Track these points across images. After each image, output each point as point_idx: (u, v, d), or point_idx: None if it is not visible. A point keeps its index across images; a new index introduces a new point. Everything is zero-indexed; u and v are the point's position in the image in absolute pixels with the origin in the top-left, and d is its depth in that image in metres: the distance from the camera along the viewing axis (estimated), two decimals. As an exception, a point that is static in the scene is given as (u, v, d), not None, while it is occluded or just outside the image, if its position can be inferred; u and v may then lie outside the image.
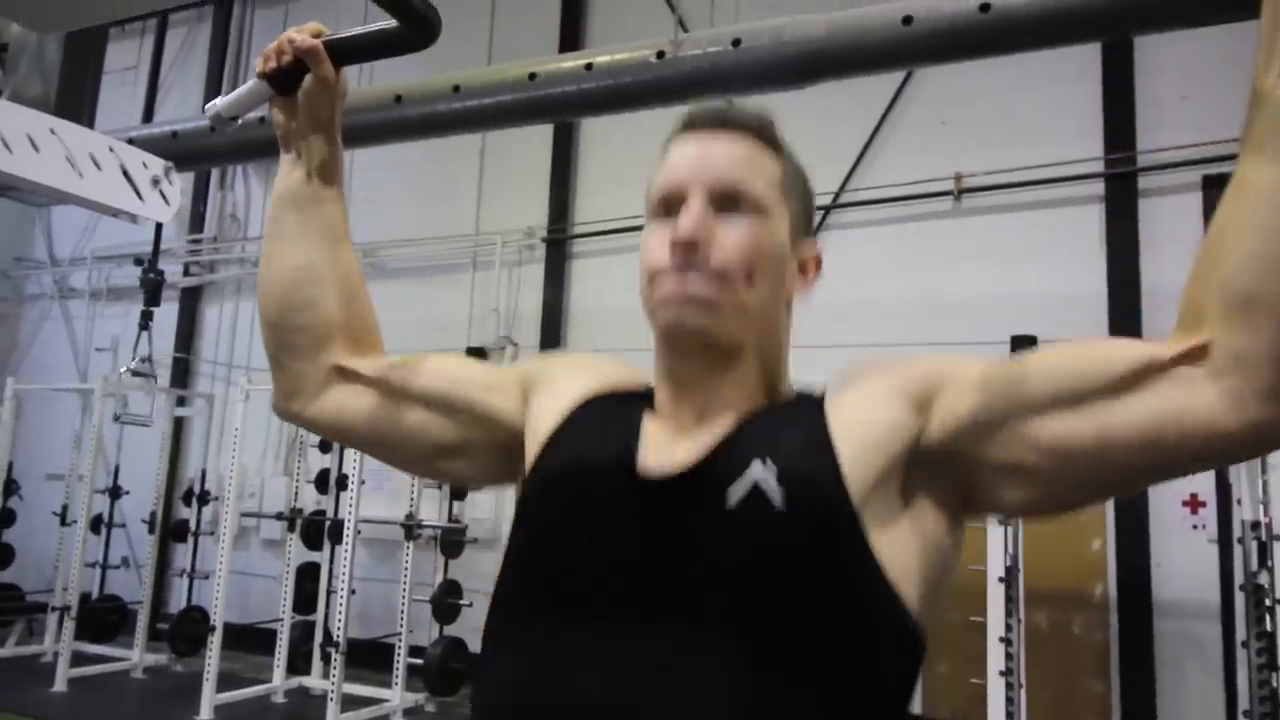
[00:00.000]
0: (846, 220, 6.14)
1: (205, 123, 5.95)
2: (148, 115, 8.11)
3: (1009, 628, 4.09)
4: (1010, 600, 4.12)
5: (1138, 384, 0.70)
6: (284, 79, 0.93)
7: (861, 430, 0.78)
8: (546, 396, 0.94)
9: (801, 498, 0.75)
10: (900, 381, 0.81)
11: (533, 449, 0.90)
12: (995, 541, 3.94)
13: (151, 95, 8.32)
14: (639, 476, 0.81)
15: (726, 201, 0.84)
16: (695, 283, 0.81)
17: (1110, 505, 5.28)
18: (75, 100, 6.36)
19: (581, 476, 0.84)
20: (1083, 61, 5.54)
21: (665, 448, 0.83)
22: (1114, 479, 0.74)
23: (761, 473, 0.76)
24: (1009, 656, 4.08)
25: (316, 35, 0.93)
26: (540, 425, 0.91)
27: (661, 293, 0.83)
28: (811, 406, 0.83)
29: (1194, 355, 0.68)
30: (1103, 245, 5.49)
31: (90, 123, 6.58)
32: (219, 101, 0.94)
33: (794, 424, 0.81)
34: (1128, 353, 0.72)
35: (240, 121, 0.96)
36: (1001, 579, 3.93)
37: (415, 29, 0.87)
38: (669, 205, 0.85)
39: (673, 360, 0.87)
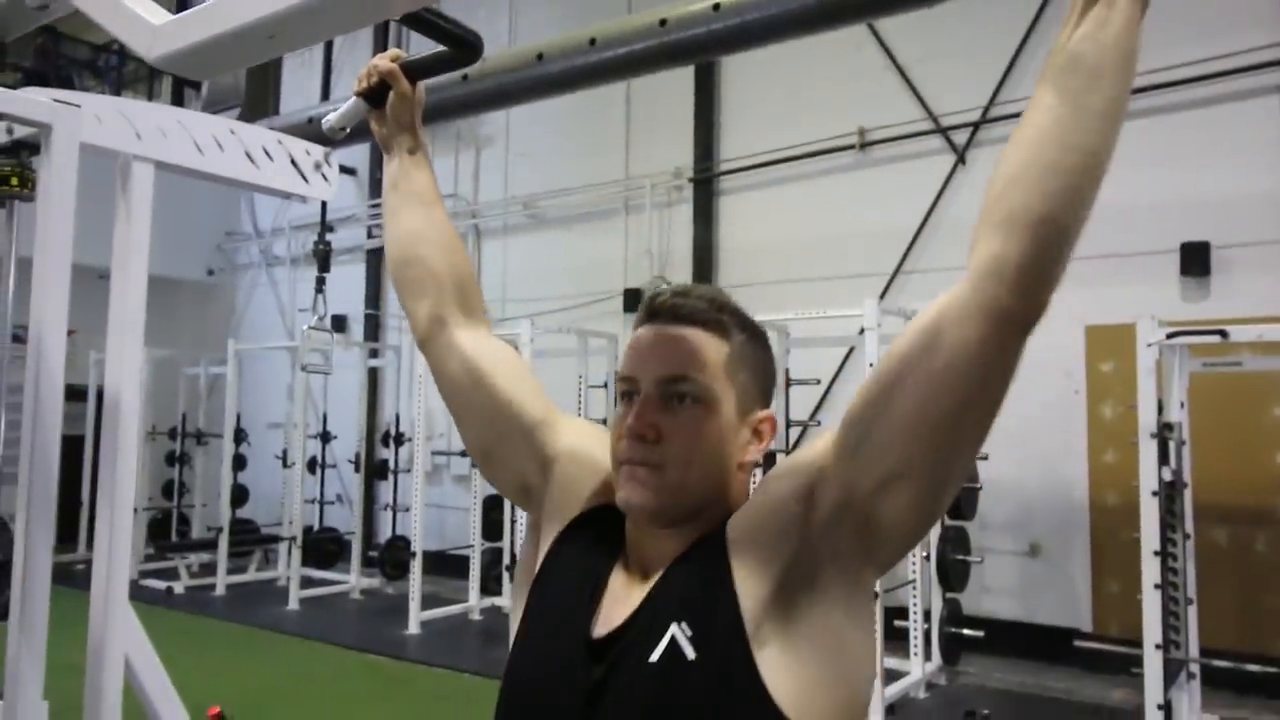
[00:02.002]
0: (998, 135, 5.95)
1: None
2: (324, 93, 8.83)
3: (1172, 542, 4.01)
4: (1173, 515, 4.03)
5: (935, 339, 0.80)
6: (374, 96, 1.19)
7: (755, 548, 0.90)
8: (559, 498, 1.09)
9: (708, 648, 0.88)
10: (787, 487, 0.92)
11: (541, 546, 1.06)
12: (1147, 455, 3.86)
13: (327, 75, 9.04)
14: (589, 636, 0.96)
15: (673, 393, 0.97)
16: (641, 474, 0.96)
17: (1298, 416, 4.99)
18: (261, 86, 7.06)
19: (550, 628, 1.00)
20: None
21: (618, 599, 0.98)
22: (961, 435, 0.83)
23: (676, 630, 0.89)
24: (1172, 570, 4.01)
25: (395, 60, 1.18)
26: (546, 530, 1.07)
27: (619, 480, 0.98)
28: (719, 540, 0.94)
29: (963, 292, 0.80)
30: (1284, 139, 5.09)
31: (276, 105, 7.29)
32: (330, 117, 1.21)
33: (702, 568, 0.93)
34: (922, 318, 0.82)
35: (347, 131, 1.23)
36: (1155, 493, 3.86)
37: (464, 51, 1.11)
38: (628, 392, 1.00)
39: (629, 523, 1.02)
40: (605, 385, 6.54)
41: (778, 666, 0.86)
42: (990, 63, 5.94)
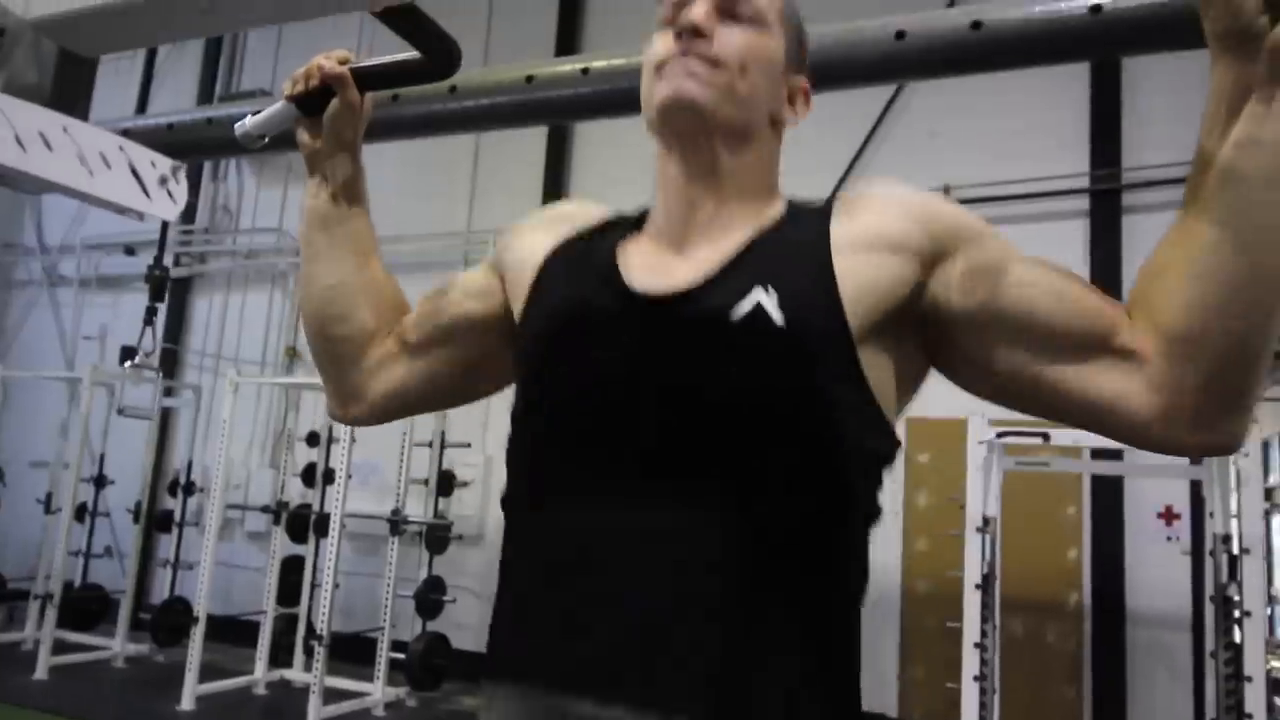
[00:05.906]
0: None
1: (200, 115, 5.96)
2: (142, 105, 8.11)
3: (985, 634, 4.16)
4: (986, 607, 4.20)
5: (1092, 353, 0.79)
6: (310, 103, 0.98)
7: (867, 275, 0.82)
8: (515, 263, 0.97)
9: (801, 319, 0.79)
10: (913, 228, 0.84)
11: (518, 308, 0.94)
12: (973, 548, 4.02)
13: (146, 84, 8.31)
14: (636, 295, 0.84)
15: (729, 8, 0.89)
16: (694, 63, 0.86)
17: (1087, 516, 5.38)
18: (71, 91, 6.36)
19: (570, 314, 0.86)
20: (1072, 78, 5.64)
21: (659, 267, 0.86)
22: (1042, 411, 0.84)
23: (764, 297, 0.79)
24: (984, 662, 4.16)
25: (343, 62, 0.98)
26: (519, 288, 0.94)
27: (662, 73, 0.88)
28: (816, 229, 0.85)
29: (1141, 356, 0.76)
30: (1086, 260, 5.59)
31: (85, 114, 6.57)
32: (248, 121, 1.00)
33: (798, 251, 0.84)
34: (1094, 318, 0.80)
35: (267, 140, 1.01)
36: (978, 585, 4.01)
37: (437, 61, 0.92)
38: (676, 12, 0.90)
39: (669, 148, 0.91)
40: (430, 444, 6.23)
41: (868, 362, 0.81)
42: (834, 157, 6.23)
